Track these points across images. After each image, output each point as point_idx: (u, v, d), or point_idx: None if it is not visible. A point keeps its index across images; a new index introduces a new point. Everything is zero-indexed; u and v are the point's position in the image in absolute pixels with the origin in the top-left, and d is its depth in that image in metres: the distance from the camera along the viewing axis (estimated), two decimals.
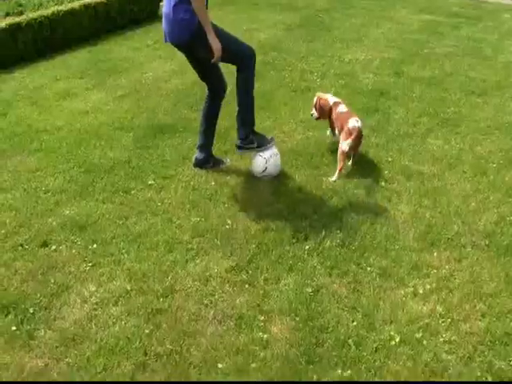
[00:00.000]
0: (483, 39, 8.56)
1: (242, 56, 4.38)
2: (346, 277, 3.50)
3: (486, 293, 3.39)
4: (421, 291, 3.39)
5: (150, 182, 4.51)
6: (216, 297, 3.34)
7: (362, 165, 4.78)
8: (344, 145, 4.53)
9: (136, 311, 3.20)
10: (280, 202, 4.25)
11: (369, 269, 3.57)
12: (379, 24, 9.32)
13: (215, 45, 4.14)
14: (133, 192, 4.38)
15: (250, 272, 3.53)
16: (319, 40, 8.32)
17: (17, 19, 7.58)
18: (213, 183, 4.49)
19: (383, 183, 4.53)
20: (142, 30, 8.54)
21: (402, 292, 3.39)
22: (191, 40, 4.20)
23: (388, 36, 8.62)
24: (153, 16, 9.03)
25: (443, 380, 2.84)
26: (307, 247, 3.74)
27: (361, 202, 4.28)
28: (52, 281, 3.42)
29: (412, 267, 3.60)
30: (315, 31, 8.79)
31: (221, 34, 4.25)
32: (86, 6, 8.45)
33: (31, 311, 3.19)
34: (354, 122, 4.61)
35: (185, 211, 4.13)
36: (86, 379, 2.80)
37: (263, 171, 4.55)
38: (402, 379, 2.82)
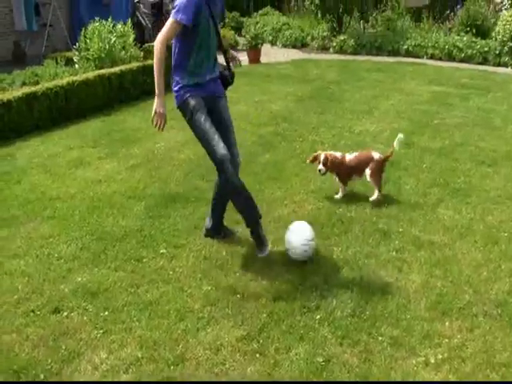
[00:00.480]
0: (492, 110, 8.80)
1: (213, 158, 4.37)
2: (357, 346, 3.56)
3: (499, 362, 3.43)
4: (432, 361, 3.44)
5: (161, 251, 4.63)
6: (227, 366, 3.40)
7: (373, 235, 4.90)
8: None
9: (147, 379, 3.27)
10: (291, 273, 4.35)
11: (380, 338, 3.63)
12: (389, 96, 9.63)
13: (155, 107, 4.32)
14: (144, 260, 4.50)
15: (261, 341, 3.60)
16: (330, 111, 8.60)
17: (33, 88, 7.94)
18: (224, 253, 4.61)
19: (394, 253, 4.63)
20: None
21: (414, 361, 3.44)
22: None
23: (398, 107, 8.90)
24: (165, 87, 9.37)
25: None
26: (318, 317, 3.82)
27: (372, 271, 4.37)
28: (63, 347, 3.51)
29: (423, 336, 3.65)
30: (326, 103, 9.09)
31: (200, 127, 4.36)
32: (101, 77, 8.84)
33: (42, 377, 3.27)
34: (376, 153, 5.45)
35: (196, 280, 4.23)
36: None
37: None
38: None
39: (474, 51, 13.30)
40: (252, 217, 4.57)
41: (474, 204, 5.53)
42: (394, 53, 14.00)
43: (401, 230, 5.00)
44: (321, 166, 5.45)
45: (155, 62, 4.22)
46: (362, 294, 4.07)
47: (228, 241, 4.79)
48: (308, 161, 5.69)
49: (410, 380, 3.29)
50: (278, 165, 6.42)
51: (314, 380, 3.30)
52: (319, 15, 16.13)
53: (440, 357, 3.47)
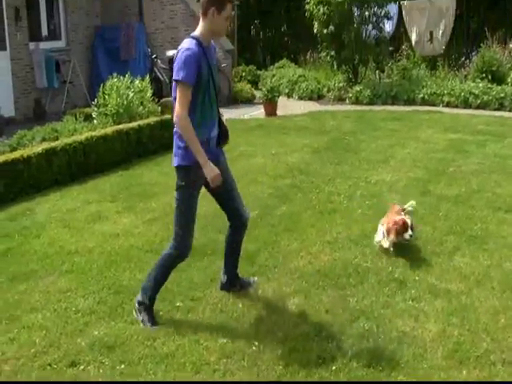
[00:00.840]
0: (509, 155, 8.85)
1: (178, 240, 4.39)
2: None
3: None
4: None
5: (177, 304, 4.71)
6: None
7: (389, 284, 4.94)
8: None
9: None
10: (307, 323, 4.40)
11: None
12: (405, 144, 9.74)
13: (211, 175, 4.18)
14: (161, 313, 4.57)
15: None
16: (346, 162, 8.72)
17: (52, 144, 8.20)
18: (240, 305, 4.67)
19: (410, 302, 4.66)
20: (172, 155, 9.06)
21: None
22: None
23: (414, 156, 8.99)
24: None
25: None
26: (334, 368, 3.85)
27: (388, 321, 4.40)
28: None
29: None
30: (342, 153, 9.22)
31: (188, 203, 4.36)
32: (118, 132, 9.10)
33: None
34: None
35: (212, 333, 4.29)
36: None
37: None
38: None
39: (490, 97, 13.42)
40: (154, 291, 4.53)
41: (491, 251, 5.55)
42: (410, 102, 14.16)
43: (417, 278, 5.04)
44: (411, 232, 5.49)
45: (189, 136, 4.12)
46: (379, 344, 4.11)
47: (244, 293, 4.86)
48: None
49: None
50: (294, 216, 6.52)
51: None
52: (335, 66, 16.44)
53: None
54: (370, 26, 15.46)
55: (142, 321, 4.46)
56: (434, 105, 13.85)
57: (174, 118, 4.17)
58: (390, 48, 16.65)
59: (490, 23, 17.55)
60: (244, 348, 4.09)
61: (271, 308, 4.65)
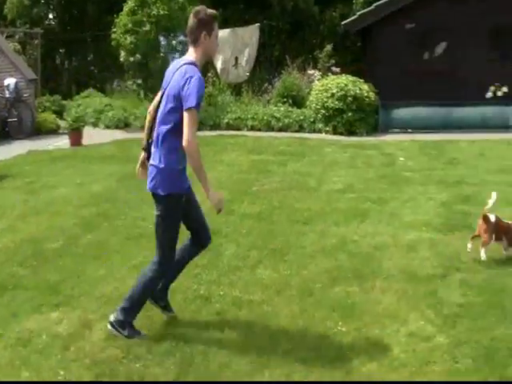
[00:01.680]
0: (307, 172, 9.59)
1: (166, 259, 4.58)
2: None
3: None
4: None
5: None
6: None
7: (195, 301, 5.15)
8: None
9: None
10: (114, 346, 4.45)
11: None
12: (211, 168, 10.02)
13: (216, 201, 4.33)
14: None
15: None
16: None
17: None
18: (44, 337, 4.60)
19: (215, 316, 4.90)
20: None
21: None
22: None
23: (219, 178, 9.38)
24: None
25: None
26: None
27: (194, 336, 4.59)
28: None
29: None
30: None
31: (174, 227, 4.52)
32: None
33: None
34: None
35: (14, 368, 4.20)
36: None
37: None
38: None
39: (291, 120, 14.45)
40: (137, 309, 4.64)
41: (291, 261, 5.99)
42: (216, 127, 14.73)
43: (221, 293, 5.30)
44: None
45: (199, 163, 4.17)
46: (185, 358, 4.28)
47: (46, 325, 4.79)
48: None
49: None
50: (100, 244, 6.53)
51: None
52: (142, 95, 16.64)
53: None
54: (177, 55, 15.89)
55: (128, 335, 4.55)
56: (238, 129, 14.56)
57: (185, 143, 4.12)
58: None
59: (291, 51, 18.79)
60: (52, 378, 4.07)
61: (77, 336, 4.64)
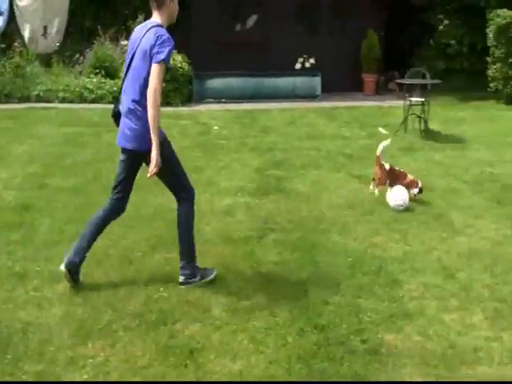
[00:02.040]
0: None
1: (187, 189, 4.91)
2: None
3: (141, 366, 3.89)
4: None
5: None
6: None
7: (10, 279, 4.99)
8: None
9: None
10: None
11: (24, 376, 3.76)
12: (22, 141, 9.70)
13: (158, 157, 4.54)
14: None
15: None
16: None
17: None
18: None
19: (33, 292, 4.79)
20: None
21: None
22: None
23: (30, 152, 9.03)
24: None
25: None
26: None
27: (11, 315, 4.46)
28: None
29: (68, 363, 3.89)
30: None
31: (178, 163, 4.86)
32: None
33: None
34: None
35: None
36: None
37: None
38: None
39: (104, 91, 14.13)
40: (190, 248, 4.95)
41: (110, 232, 5.76)
42: (25, 99, 14.01)
43: (38, 269, 5.17)
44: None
45: (158, 114, 4.58)
46: (2, 338, 4.15)
47: None
48: None
49: None
50: None
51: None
52: None
53: (86, 376, 3.76)
54: None
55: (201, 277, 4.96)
56: (49, 101, 13.93)
57: (152, 92, 4.44)
58: (2, 45, 16.18)
59: (104, 22, 18.24)
60: None
61: None
